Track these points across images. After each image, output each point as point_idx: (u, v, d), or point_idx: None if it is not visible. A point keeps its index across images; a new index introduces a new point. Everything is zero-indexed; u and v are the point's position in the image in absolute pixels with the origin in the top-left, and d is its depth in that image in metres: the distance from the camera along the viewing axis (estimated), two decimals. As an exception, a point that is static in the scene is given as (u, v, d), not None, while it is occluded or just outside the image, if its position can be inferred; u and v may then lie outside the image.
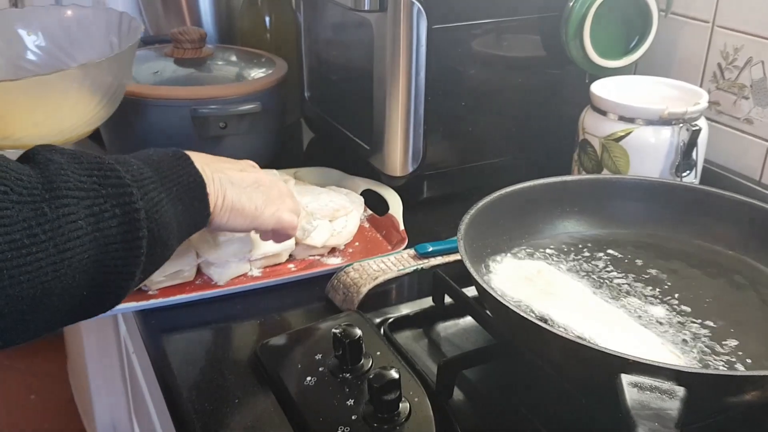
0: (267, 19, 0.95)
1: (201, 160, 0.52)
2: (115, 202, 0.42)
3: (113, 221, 0.42)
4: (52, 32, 0.79)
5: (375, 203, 0.78)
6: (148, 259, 0.45)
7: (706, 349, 0.49)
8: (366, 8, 0.71)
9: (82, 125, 0.70)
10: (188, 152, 0.52)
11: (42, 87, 0.63)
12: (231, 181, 0.54)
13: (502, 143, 0.81)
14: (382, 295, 0.63)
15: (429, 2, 0.70)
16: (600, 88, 0.72)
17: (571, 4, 0.74)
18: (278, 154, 0.89)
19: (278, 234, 0.60)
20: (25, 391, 1.80)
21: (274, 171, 0.76)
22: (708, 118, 0.79)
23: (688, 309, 0.53)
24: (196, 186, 0.50)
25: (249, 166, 0.60)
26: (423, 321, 0.59)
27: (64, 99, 0.65)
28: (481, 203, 0.59)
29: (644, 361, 0.40)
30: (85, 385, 1.40)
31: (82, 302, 0.42)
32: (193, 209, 0.50)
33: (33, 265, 0.37)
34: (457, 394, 0.51)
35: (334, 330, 0.51)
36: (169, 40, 0.87)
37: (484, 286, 0.48)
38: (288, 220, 0.59)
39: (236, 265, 0.65)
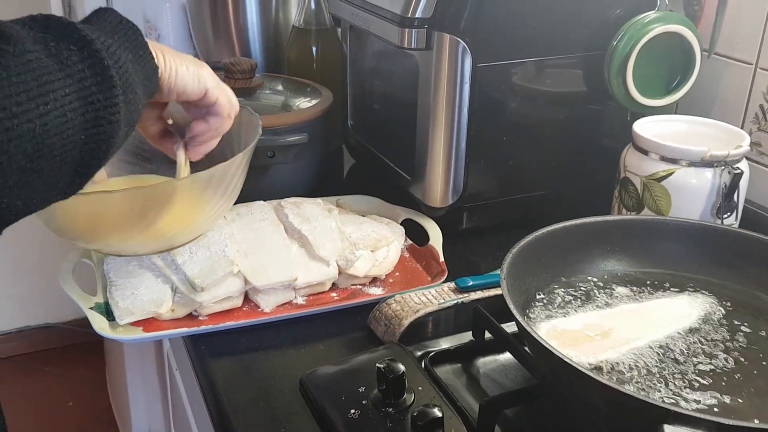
0: (314, 49, 0.98)
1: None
2: (75, 48, 0.41)
3: (85, 74, 0.41)
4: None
5: (415, 233, 0.79)
6: (125, 110, 0.44)
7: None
8: (413, 47, 0.73)
9: (206, 225, 0.65)
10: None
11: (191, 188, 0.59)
12: (170, 51, 0.53)
13: (542, 177, 0.82)
14: (422, 327, 0.65)
15: (474, 41, 0.72)
16: (642, 128, 0.73)
17: (615, 43, 0.75)
18: (321, 180, 0.91)
19: (221, 108, 0.57)
20: (63, 397, 1.85)
21: (319, 200, 0.78)
22: (750, 159, 0.79)
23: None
24: (134, 34, 0.48)
25: None
26: (463, 356, 0.61)
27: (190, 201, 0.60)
28: (523, 242, 0.60)
29: (686, 413, 0.41)
30: (123, 393, 1.44)
31: (78, 161, 0.41)
32: (140, 58, 0.48)
33: (51, 114, 0.37)
34: None
35: (378, 364, 0.53)
36: (220, 68, 0.91)
37: (528, 329, 0.49)
38: (228, 92, 0.58)
39: (282, 292, 0.67)
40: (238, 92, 0.89)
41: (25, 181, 0.38)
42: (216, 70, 0.95)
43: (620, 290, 0.62)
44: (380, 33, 0.77)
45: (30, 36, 0.39)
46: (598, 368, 0.52)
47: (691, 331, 0.57)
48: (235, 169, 0.61)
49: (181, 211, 0.59)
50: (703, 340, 0.56)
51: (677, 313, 0.59)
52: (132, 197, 0.57)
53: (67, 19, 0.42)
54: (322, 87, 0.93)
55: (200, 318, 0.64)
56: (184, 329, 0.62)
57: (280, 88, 0.94)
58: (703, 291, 0.62)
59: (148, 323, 0.63)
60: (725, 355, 0.54)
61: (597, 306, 0.60)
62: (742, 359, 0.54)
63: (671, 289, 0.62)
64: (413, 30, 0.72)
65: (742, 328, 0.57)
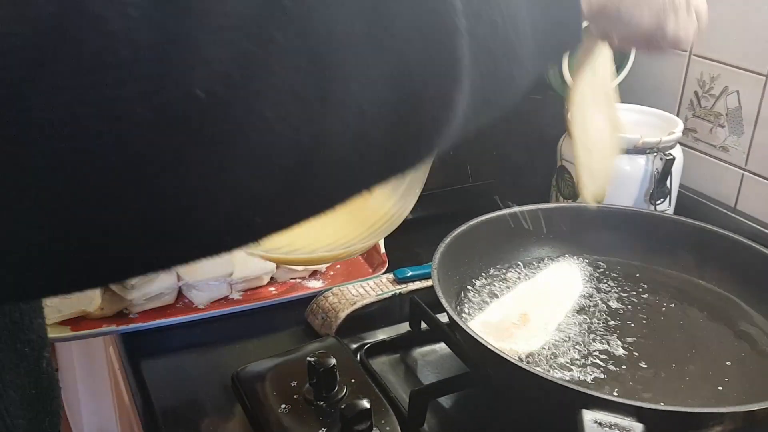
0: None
1: None
2: None
3: (407, 19, 0.24)
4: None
5: (357, 225, 0.79)
6: (478, 79, 0.27)
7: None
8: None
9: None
10: None
11: None
12: None
13: (483, 167, 0.83)
14: (360, 319, 0.64)
15: None
16: (578, 116, 0.73)
17: (551, 31, 0.75)
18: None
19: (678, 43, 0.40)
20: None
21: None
22: (685, 145, 0.81)
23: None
24: None
25: None
26: (400, 346, 0.60)
27: None
28: (456, 231, 0.60)
29: (605, 397, 0.41)
30: (74, 395, 1.41)
31: (381, 154, 0.26)
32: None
33: (286, 93, 0.22)
34: (431, 421, 0.52)
35: (308, 358, 0.52)
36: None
37: (453, 316, 0.49)
38: (691, 29, 0.40)
39: (216, 287, 0.66)
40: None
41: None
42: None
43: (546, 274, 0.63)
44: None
45: None
46: (530, 354, 0.53)
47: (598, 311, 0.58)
48: None
49: None
50: (619, 321, 0.56)
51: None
52: None
53: None
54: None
55: (131, 316, 0.63)
56: (113, 327, 0.60)
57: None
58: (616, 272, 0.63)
59: (76, 322, 0.61)
60: (642, 339, 0.55)
61: (520, 292, 0.60)
62: (662, 339, 0.55)
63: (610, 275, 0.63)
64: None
65: (656, 300, 0.59)
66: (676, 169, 0.70)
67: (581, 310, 0.58)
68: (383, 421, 0.50)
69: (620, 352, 0.53)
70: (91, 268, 0.22)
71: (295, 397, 0.52)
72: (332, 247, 0.47)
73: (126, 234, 0.21)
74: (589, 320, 0.57)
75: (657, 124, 0.73)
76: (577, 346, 0.54)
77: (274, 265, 0.68)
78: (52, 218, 0.20)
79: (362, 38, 0.23)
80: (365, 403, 0.48)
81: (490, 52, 0.27)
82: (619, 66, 0.78)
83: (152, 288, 0.63)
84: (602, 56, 0.47)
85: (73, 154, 0.19)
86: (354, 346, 0.60)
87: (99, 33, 0.19)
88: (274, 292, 0.68)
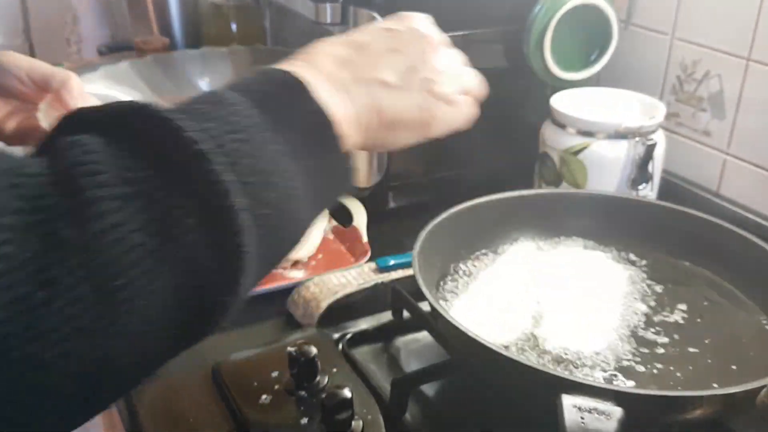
0: (233, 25, 0.95)
1: (308, 73, 0.33)
2: (187, 190, 0.25)
3: (190, 221, 0.25)
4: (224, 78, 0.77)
5: (340, 214, 0.78)
6: (263, 253, 0.29)
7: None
8: (328, 21, 0.71)
9: None
10: (293, 65, 0.33)
11: None
12: (365, 82, 0.35)
13: (466, 154, 0.82)
14: (342, 309, 0.64)
15: (389, 16, 0.70)
16: (559, 102, 0.73)
17: (533, 15, 0.75)
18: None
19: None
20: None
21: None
22: (668, 130, 0.81)
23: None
24: (320, 124, 0.31)
25: (382, 31, 0.40)
26: (382, 336, 0.60)
27: None
28: (438, 219, 0.59)
29: (583, 382, 0.41)
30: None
31: (170, 344, 0.28)
32: (326, 164, 0.32)
33: (68, 331, 0.23)
34: (414, 409, 0.52)
35: (289, 348, 0.52)
36: (132, 47, 0.87)
37: (434, 303, 0.49)
38: (467, 114, 0.42)
39: (198, 279, 0.65)
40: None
41: None
42: (128, 49, 0.92)
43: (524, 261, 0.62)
44: (297, 8, 0.75)
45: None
46: (512, 341, 0.52)
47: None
48: None
49: None
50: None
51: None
52: None
53: (194, 149, 0.26)
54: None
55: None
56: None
57: (199, 67, 0.91)
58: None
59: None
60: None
61: (502, 278, 0.60)
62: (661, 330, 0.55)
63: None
64: (327, 5, 0.70)
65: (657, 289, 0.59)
66: (659, 153, 0.70)
67: (563, 295, 0.58)
68: (365, 410, 0.49)
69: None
70: None
71: (276, 387, 0.52)
72: None
73: None
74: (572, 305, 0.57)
75: (640, 109, 0.73)
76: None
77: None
78: None
79: (146, 254, 0.24)
80: (346, 392, 0.47)
81: (274, 229, 0.29)
82: (602, 50, 0.78)
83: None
84: None
85: None
86: (336, 335, 0.59)
87: None
88: (255, 283, 0.67)
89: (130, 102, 0.27)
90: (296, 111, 0.31)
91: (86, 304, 0.23)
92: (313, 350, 0.51)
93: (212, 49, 0.86)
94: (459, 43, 0.75)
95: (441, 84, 0.39)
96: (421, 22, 0.42)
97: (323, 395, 0.48)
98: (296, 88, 0.31)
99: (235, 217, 0.26)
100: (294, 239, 0.32)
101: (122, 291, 0.24)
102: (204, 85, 0.77)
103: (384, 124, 0.36)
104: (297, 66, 0.33)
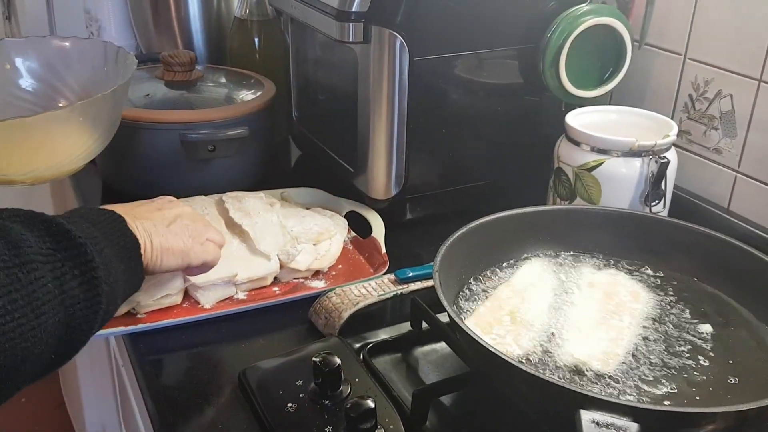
0: (256, 40, 0.97)
1: (123, 212, 0.53)
2: (74, 263, 0.44)
3: (74, 282, 0.44)
4: (49, 63, 0.80)
5: (359, 225, 0.80)
6: (102, 317, 0.47)
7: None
8: (350, 41, 0.73)
9: (79, 159, 0.72)
10: (114, 207, 0.54)
11: (41, 125, 0.65)
12: (154, 225, 0.56)
13: (482, 167, 0.84)
14: (363, 319, 0.66)
15: (411, 35, 0.72)
16: (574, 119, 0.75)
17: (549, 35, 0.77)
18: (267, 173, 0.91)
19: (207, 267, 0.61)
20: (16, 394, 1.81)
21: (261, 194, 0.78)
22: (679, 147, 0.82)
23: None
24: (132, 247, 0.52)
25: (166, 202, 0.61)
26: (401, 346, 0.62)
27: (62, 136, 0.67)
28: (457, 234, 0.61)
29: (601, 398, 0.43)
30: (76, 390, 1.42)
31: (49, 363, 0.44)
32: (131, 270, 0.52)
33: (16, 332, 0.38)
34: (433, 419, 0.53)
35: (314, 358, 0.53)
36: (158, 59, 0.89)
37: (454, 317, 0.50)
38: (214, 253, 0.61)
39: (222, 288, 0.67)
40: (179, 85, 0.89)
41: None
42: (154, 62, 0.94)
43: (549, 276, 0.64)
44: (319, 26, 0.77)
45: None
46: (530, 354, 0.54)
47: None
48: (107, 103, 0.69)
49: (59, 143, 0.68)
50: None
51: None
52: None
53: (77, 241, 0.45)
54: (264, 78, 0.92)
55: (138, 316, 0.64)
56: (121, 328, 0.62)
57: (222, 80, 0.93)
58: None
59: (85, 323, 0.63)
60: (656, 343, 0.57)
61: (520, 292, 0.62)
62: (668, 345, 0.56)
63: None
64: (350, 24, 0.72)
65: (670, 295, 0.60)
66: (670, 171, 0.72)
67: (580, 310, 0.60)
68: (387, 420, 0.51)
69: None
70: None
71: (300, 396, 0.54)
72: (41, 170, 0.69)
73: None
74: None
75: (652, 127, 0.75)
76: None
77: (277, 265, 0.69)
78: None
79: (53, 291, 0.42)
80: (370, 403, 0.49)
81: (112, 293, 0.48)
82: (616, 69, 0.80)
83: (159, 289, 0.64)
84: None
85: None
86: (357, 345, 0.61)
87: None
88: (278, 292, 0.69)
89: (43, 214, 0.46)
90: (119, 233, 0.51)
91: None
92: (337, 361, 0.53)
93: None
94: (476, 61, 0.78)
95: (198, 235, 0.59)
96: (187, 207, 0.62)
97: (347, 405, 0.50)
98: (119, 221, 0.52)
99: (99, 283, 0.46)
100: (117, 304, 0.51)
101: (43, 315, 0.41)
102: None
103: (162, 251, 0.56)
104: (119, 211, 0.53)
